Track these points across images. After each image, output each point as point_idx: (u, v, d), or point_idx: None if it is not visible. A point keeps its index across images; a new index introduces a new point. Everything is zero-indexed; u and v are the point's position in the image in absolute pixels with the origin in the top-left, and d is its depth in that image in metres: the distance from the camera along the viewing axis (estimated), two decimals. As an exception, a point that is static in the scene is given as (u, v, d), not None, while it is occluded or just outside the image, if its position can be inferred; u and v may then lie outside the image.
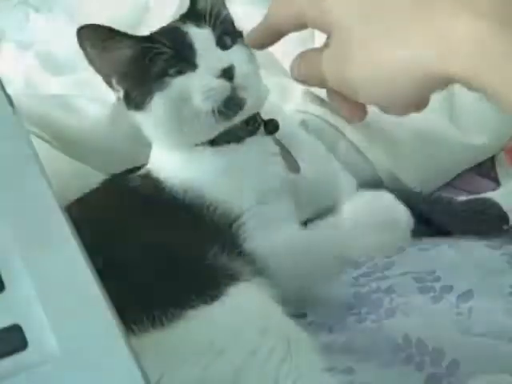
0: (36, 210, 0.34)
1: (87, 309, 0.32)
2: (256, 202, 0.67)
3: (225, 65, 0.64)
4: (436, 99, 0.88)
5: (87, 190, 0.72)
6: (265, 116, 0.73)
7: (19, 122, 0.37)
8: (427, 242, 0.72)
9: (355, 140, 0.84)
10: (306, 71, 0.45)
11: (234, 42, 0.68)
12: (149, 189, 0.69)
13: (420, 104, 0.43)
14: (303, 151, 0.75)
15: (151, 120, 0.69)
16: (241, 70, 0.65)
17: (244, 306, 0.55)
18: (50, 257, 0.33)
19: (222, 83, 0.64)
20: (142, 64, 0.67)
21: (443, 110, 0.85)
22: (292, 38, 0.91)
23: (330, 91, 0.45)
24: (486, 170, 0.88)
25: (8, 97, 0.38)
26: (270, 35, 0.48)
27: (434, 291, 0.63)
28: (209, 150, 0.70)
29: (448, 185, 0.87)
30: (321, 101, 0.88)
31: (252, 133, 0.71)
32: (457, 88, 0.89)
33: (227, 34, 0.69)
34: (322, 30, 0.42)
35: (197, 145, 0.70)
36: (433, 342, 0.54)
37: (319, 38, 0.93)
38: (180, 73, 0.66)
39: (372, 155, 0.84)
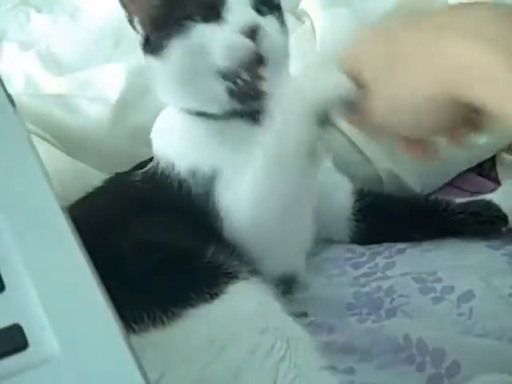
0: (37, 209, 0.34)
1: (87, 308, 0.32)
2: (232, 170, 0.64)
3: (253, 24, 0.61)
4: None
5: (88, 190, 0.72)
6: None
7: (20, 122, 0.37)
8: (428, 243, 0.72)
9: (355, 139, 0.84)
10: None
11: (270, 13, 0.66)
12: (149, 183, 0.69)
13: (469, 126, 0.47)
14: None
15: (166, 70, 0.67)
16: (270, 37, 0.62)
17: (244, 305, 0.55)
18: (51, 257, 0.33)
19: (247, 42, 0.61)
20: (169, 5, 0.65)
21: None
22: (293, 37, 0.91)
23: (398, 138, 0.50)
24: (486, 170, 0.88)
25: (9, 96, 0.38)
26: None
27: (434, 292, 0.63)
28: (209, 123, 0.67)
29: (448, 185, 0.87)
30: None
31: (255, 123, 0.68)
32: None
33: (265, 2, 0.66)
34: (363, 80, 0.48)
35: (199, 114, 0.67)
36: (433, 342, 0.54)
37: (320, 39, 0.93)
38: (205, 20, 0.63)
39: (372, 154, 0.84)
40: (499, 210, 0.72)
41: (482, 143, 0.84)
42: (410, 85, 0.44)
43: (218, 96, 0.64)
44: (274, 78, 0.63)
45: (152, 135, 0.73)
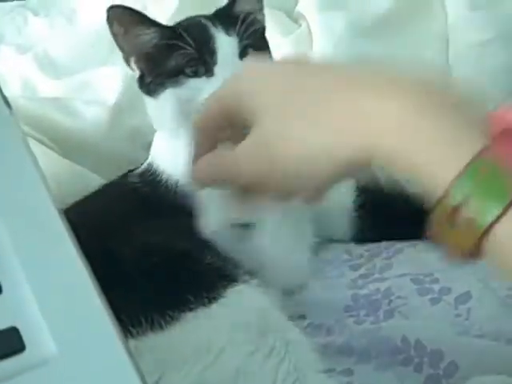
0: (33, 212, 0.34)
1: (85, 311, 0.31)
2: None
3: None
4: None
5: (84, 192, 0.73)
6: None
7: (16, 123, 0.37)
8: (425, 243, 0.72)
9: None
10: (212, 170, 0.42)
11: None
12: (147, 186, 0.70)
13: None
14: None
15: (159, 109, 0.71)
16: None
17: (242, 308, 0.55)
18: (47, 259, 0.32)
19: None
20: (163, 55, 0.68)
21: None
22: (290, 40, 0.91)
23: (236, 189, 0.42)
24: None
25: (5, 98, 0.37)
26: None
27: (432, 293, 0.63)
28: None
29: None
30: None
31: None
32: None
33: (253, 47, 0.69)
34: (245, 122, 0.40)
35: None
36: (431, 343, 0.54)
37: (316, 42, 0.93)
38: (196, 74, 0.67)
39: None
40: None
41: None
42: (324, 132, 0.36)
43: None
44: None
45: (155, 152, 0.74)
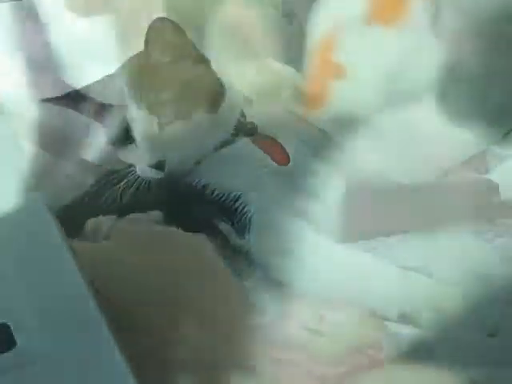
0: (25, 212, 0.34)
1: (76, 308, 0.32)
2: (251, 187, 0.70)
3: (154, 161, 0.69)
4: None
5: (79, 191, 0.74)
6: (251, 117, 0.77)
7: (7, 125, 0.38)
8: (417, 237, 0.72)
9: (342, 141, 0.85)
10: None
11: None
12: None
13: None
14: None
15: None
16: (174, 157, 0.70)
17: None
18: (39, 256, 0.33)
19: (155, 172, 0.70)
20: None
21: (432, 106, 0.85)
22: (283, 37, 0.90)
23: None
24: (477, 164, 0.88)
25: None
26: None
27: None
28: None
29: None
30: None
31: (233, 140, 0.74)
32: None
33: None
34: None
35: None
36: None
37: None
38: (123, 144, 0.72)
39: (359, 155, 0.84)
40: (490, 180, 0.75)
41: (471, 138, 0.84)
42: None
43: None
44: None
45: None
